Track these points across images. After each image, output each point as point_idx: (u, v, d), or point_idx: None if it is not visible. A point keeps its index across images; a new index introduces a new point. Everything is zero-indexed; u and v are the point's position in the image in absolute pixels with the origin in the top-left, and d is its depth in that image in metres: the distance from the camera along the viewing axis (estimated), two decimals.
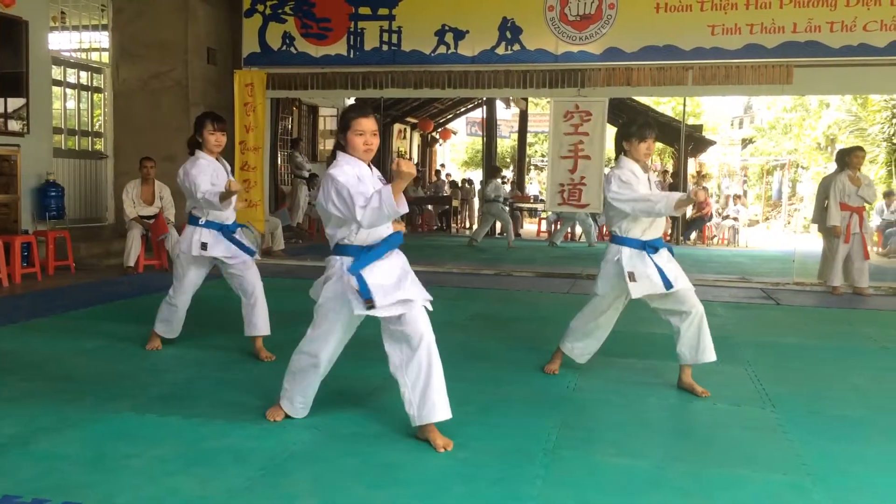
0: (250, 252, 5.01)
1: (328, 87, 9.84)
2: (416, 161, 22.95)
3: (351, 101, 17.16)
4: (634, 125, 4.36)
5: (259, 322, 4.94)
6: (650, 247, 4.26)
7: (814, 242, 14.86)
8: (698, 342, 4.25)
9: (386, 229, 3.41)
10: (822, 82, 8.87)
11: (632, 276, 4.22)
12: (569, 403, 4.04)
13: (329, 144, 17.66)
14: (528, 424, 3.65)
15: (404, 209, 3.13)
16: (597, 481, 2.99)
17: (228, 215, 4.93)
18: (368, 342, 5.36)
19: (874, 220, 14.72)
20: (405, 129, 22.30)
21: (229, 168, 5.05)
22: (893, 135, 19.88)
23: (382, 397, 4.08)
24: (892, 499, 2.89)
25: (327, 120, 17.47)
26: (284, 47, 9.77)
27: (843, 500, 2.86)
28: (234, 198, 4.77)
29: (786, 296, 8.10)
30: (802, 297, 8.07)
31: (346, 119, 3.38)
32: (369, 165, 3.42)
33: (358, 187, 3.19)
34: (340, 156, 3.38)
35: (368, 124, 3.36)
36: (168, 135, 9.81)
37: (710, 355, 4.28)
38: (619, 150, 4.42)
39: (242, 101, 9.85)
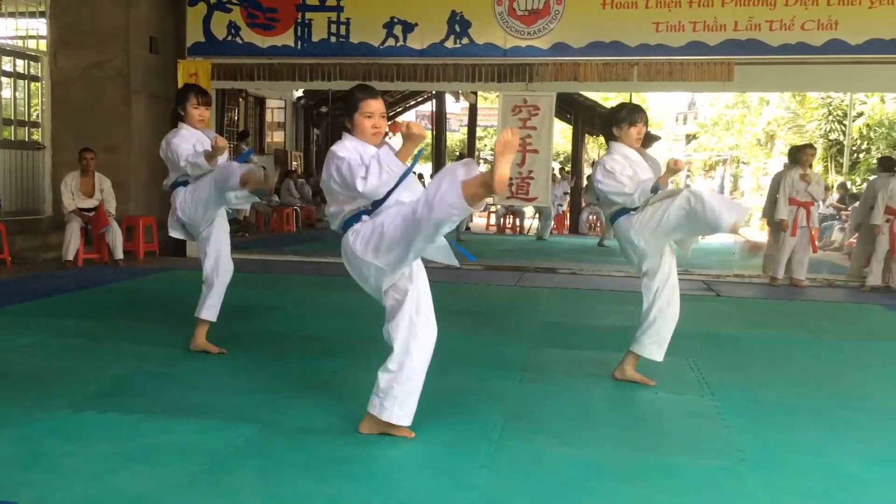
0: (261, 195, 4.89)
1: (275, 78, 9.71)
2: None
3: (299, 93, 17.06)
4: (623, 110, 4.26)
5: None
6: None
7: (754, 236, 15.25)
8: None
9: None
10: (762, 80, 9.12)
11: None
12: (515, 395, 4.08)
13: (277, 137, 17.46)
14: (475, 416, 3.67)
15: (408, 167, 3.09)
16: (540, 470, 3.03)
17: None
18: (311, 336, 5.35)
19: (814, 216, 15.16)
20: None
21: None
22: (829, 131, 20.55)
23: (330, 391, 4.06)
24: (822, 481, 3.00)
25: (275, 112, 17.26)
26: (230, 37, 9.60)
27: (775, 483, 2.95)
28: (223, 157, 4.57)
29: (726, 287, 8.31)
30: (742, 289, 8.29)
31: (353, 100, 3.25)
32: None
33: (359, 160, 3.09)
34: (346, 136, 3.28)
35: (377, 106, 3.24)
36: (109, 125, 9.57)
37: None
38: (609, 137, 4.30)
39: None
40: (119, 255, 8.64)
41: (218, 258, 4.73)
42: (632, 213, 4.14)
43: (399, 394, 3.20)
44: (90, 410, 3.58)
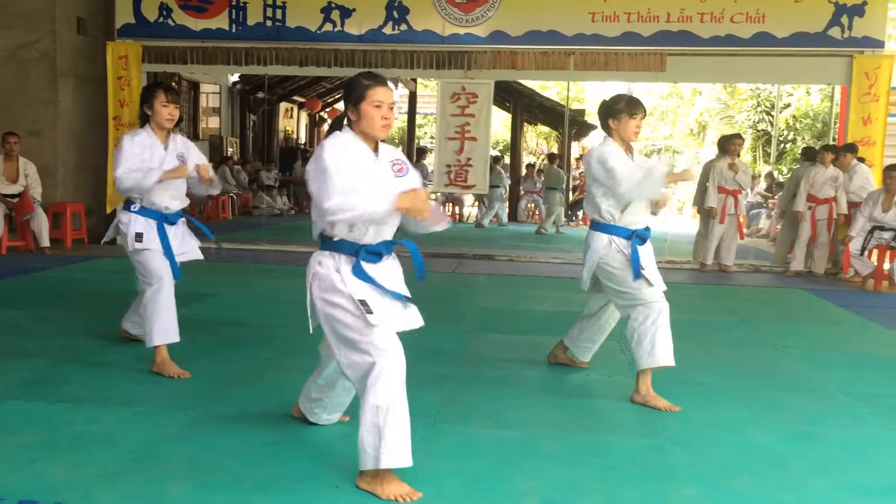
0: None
1: (209, 62, 9.51)
2: (303, 141, 22.58)
3: (234, 77, 16.72)
4: (622, 101, 3.94)
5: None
6: (639, 237, 3.90)
7: (685, 224, 15.68)
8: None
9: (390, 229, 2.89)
10: (693, 70, 9.36)
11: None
12: (450, 380, 4.13)
13: (212, 123, 17.10)
14: (410, 401, 3.67)
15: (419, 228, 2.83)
16: (474, 451, 3.08)
17: (169, 203, 4.20)
18: (246, 323, 5.30)
19: (742, 203, 15.66)
20: (292, 108, 21.85)
21: (191, 148, 4.33)
22: (758, 122, 21.20)
23: (265, 378, 4.04)
24: (741, 455, 3.13)
25: (209, 97, 16.88)
26: (161, 19, 9.36)
27: (696, 458, 3.08)
28: (179, 181, 4.17)
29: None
30: (673, 275, 8.50)
31: (359, 88, 2.77)
32: (376, 146, 2.85)
33: (342, 178, 2.66)
34: (345, 131, 2.83)
35: (387, 95, 2.77)
36: (35, 109, 9.23)
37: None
38: (606, 129, 3.99)
39: (116, 74, 9.38)
40: (45, 242, 8.37)
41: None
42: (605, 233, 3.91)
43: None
44: (15, 400, 3.49)
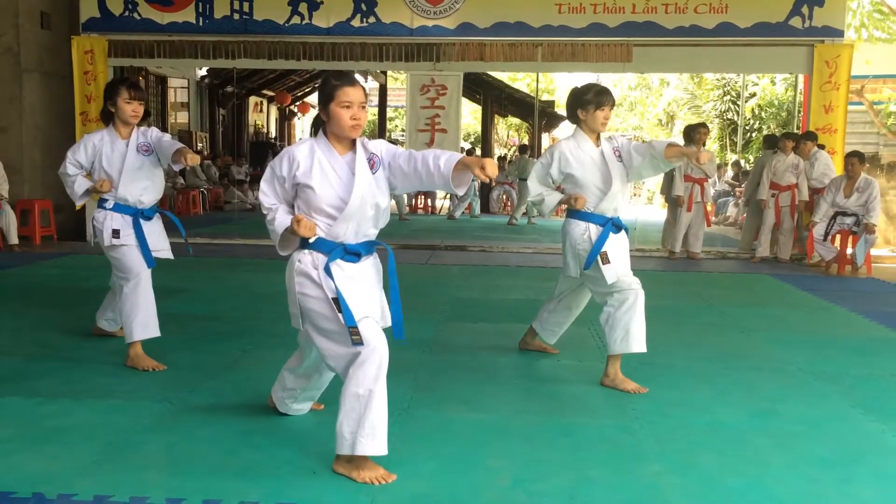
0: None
1: (176, 55, 9.44)
2: (273, 136, 22.46)
3: (202, 71, 16.60)
4: (590, 91, 3.91)
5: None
6: (614, 225, 3.96)
7: (654, 212, 15.89)
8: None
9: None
10: (659, 61, 9.48)
11: (605, 258, 3.87)
12: (424, 368, 4.19)
13: (181, 118, 16.96)
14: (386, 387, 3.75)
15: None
16: (447, 434, 3.16)
17: (141, 197, 4.20)
18: (220, 317, 5.31)
19: (709, 191, 15.91)
20: (262, 102, 21.74)
21: (162, 137, 4.24)
22: (725, 111, 21.50)
23: (239, 370, 4.07)
24: (705, 433, 3.24)
25: (178, 91, 16.74)
26: (127, 13, 9.27)
27: (662, 437, 3.18)
28: (149, 172, 4.19)
29: None
30: (643, 262, 8.64)
31: (327, 88, 2.80)
32: (353, 144, 2.86)
33: (270, 177, 2.84)
34: (319, 137, 2.86)
35: (356, 95, 2.77)
36: None
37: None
38: (573, 119, 4.01)
39: (82, 69, 9.28)
40: (14, 240, 8.29)
41: None
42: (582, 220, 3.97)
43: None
44: None
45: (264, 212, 2.88)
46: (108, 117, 4.23)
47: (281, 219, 2.82)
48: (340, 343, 2.76)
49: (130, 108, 4.15)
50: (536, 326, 4.49)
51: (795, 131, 9.99)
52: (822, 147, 8.81)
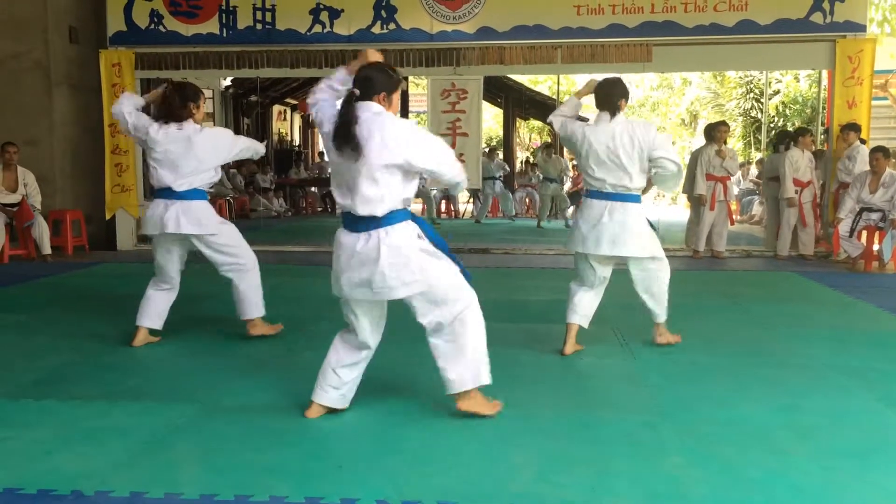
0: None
1: (201, 66, 9.61)
2: (297, 143, 22.66)
3: (226, 82, 16.83)
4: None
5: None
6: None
7: (677, 213, 15.82)
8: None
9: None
10: (680, 60, 9.47)
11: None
12: None
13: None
14: (409, 387, 3.83)
15: None
16: (470, 430, 3.21)
17: None
18: (241, 323, 5.40)
19: (733, 190, 15.80)
20: (285, 110, 21.96)
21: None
22: (749, 109, 21.34)
23: (268, 371, 4.16)
24: (728, 427, 3.26)
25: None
26: (153, 26, 9.46)
27: (686, 432, 3.21)
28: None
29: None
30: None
31: (396, 78, 3.18)
32: None
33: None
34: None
35: None
36: (29, 118, 9.32)
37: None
38: (615, 108, 4.34)
39: (110, 81, 9.49)
40: (46, 249, 8.48)
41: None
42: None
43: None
44: (27, 399, 3.61)
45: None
46: (181, 114, 4.49)
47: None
48: (456, 289, 3.25)
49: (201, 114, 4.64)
50: (579, 320, 4.56)
51: (822, 127, 9.91)
52: (863, 142, 8.70)
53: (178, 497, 2.58)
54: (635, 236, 4.34)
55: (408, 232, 3.15)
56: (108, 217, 9.60)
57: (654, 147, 4.23)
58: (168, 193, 4.48)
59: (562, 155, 14.40)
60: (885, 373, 4.12)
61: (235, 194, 15.04)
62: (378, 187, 3.06)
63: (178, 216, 4.44)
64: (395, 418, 3.36)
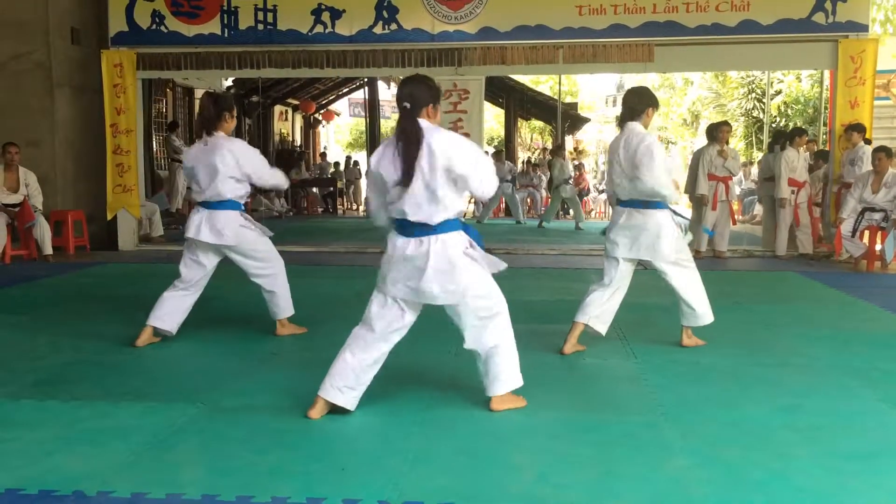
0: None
1: (203, 67, 9.61)
2: (298, 144, 22.67)
3: (228, 82, 16.84)
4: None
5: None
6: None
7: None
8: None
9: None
10: (682, 60, 9.46)
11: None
12: (450, 366, 4.24)
13: None
14: (411, 387, 3.82)
15: None
16: (472, 432, 3.21)
17: None
18: (249, 320, 5.41)
19: (735, 190, 15.79)
20: (286, 110, 21.98)
21: None
22: (751, 109, 21.33)
23: (269, 372, 4.15)
24: (731, 428, 3.25)
25: None
26: (154, 26, 9.46)
27: (689, 432, 3.20)
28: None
29: None
30: None
31: (439, 90, 3.36)
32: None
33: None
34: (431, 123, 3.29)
35: None
36: (31, 119, 9.33)
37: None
38: (636, 116, 4.42)
39: (112, 82, 9.49)
40: (48, 250, 8.48)
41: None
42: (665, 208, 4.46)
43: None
44: (28, 399, 3.61)
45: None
46: (217, 123, 4.64)
47: None
48: (493, 298, 3.40)
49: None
50: (591, 322, 4.58)
51: (817, 126, 9.89)
52: (868, 142, 8.69)
53: (180, 497, 2.57)
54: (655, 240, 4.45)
55: (458, 241, 3.26)
56: (109, 217, 9.60)
57: (635, 162, 4.32)
58: (203, 204, 4.66)
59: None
60: (887, 373, 4.11)
61: None
62: (431, 196, 3.17)
63: (201, 224, 4.61)
64: (397, 419, 3.35)
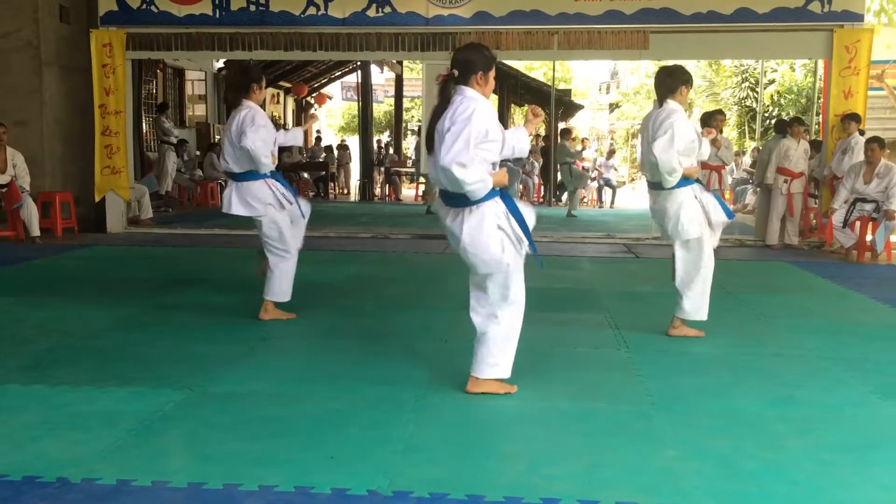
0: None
1: (193, 48, 9.48)
2: (291, 126, 22.51)
3: (219, 63, 16.67)
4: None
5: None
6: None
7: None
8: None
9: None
10: (676, 48, 9.36)
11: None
12: (440, 356, 4.21)
13: (198, 110, 17.07)
14: (402, 375, 3.79)
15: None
16: (463, 420, 3.18)
17: None
18: (237, 306, 5.37)
19: (727, 179, 15.77)
20: (278, 93, 21.80)
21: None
22: (744, 98, 21.30)
23: (257, 358, 4.11)
24: (723, 419, 3.24)
25: (195, 84, 16.82)
26: (144, 6, 9.31)
27: (679, 422, 3.18)
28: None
29: (645, 250, 8.64)
30: (659, 251, 8.61)
31: (491, 56, 3.35)
32: None
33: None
34: (473, 90, 3.28)
35: None
36: (19, 99, 9.20)
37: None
38: (672, 95, 4.37)
39: (101, 62, 9.36)
40: (35, 231, 8.39)
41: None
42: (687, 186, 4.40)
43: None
44: (13, 383, 3.56)
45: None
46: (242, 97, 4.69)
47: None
48: (517, 283, 3.41)
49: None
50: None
51: (817, 117, 9.88)
52: (862, 133, 8.66)
53: (166, 485, 2.54)
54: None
55: (491, 211, 3.27)
56: (97, 199, 9.49)
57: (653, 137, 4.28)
58: (230, 176, 4.80)
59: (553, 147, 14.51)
60: (880, 364, 4.11)
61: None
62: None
63: (231, 197, 4.75)
64: (387, 407, 3.32)
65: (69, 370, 3.79)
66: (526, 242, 3.38)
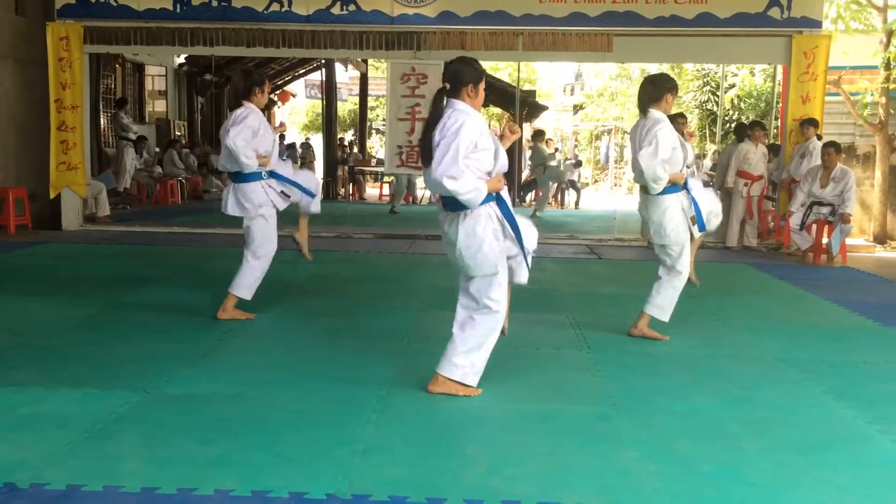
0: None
1: (153, 42, 9.30)
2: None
3: (180, 58, 16.42)
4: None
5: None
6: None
7: (633, 203, 15.93)
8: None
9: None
10: (640, 51, 9.47)
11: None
12: (403, 356, 4.19)
13: (158, 106, 16.79)
14: (364, 376, 3.76)
15: None
16: (425, 422, 3.16)
17: None
18: (196, 306, 5.28)
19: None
20: None
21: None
22: (705, 102, 21.61)
23: (215, 359, 4.04)
24: (681, 419, 3.27)
25: (155, 79, 16.53)
26: None
27: (639, 423, 3.20)
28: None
29: (607, 251, 8.71)
30: (622, 252, 8.71)
31: (479, 70, 3.43)
32: None
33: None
34: (464, 104, 3.37)
35: None
36: None
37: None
38: (657, 103, 4.44)
39: (57, 55, 9.13)
40: None
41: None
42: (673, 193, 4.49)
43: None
44: None
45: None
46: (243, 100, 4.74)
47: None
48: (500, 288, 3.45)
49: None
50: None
51: (775, 121, 10.05)
52: (819, 137, 8.82)
53: (118, 490, 2.47)
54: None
55: (486, 216, 3.36)
56: (52, 196, 9.26)
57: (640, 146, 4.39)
58: (230, 176, 4.82)
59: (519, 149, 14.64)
60: (834, 366, 4.18)
61: (188, 175, 14.72)
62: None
63: (228, 197, 4.82)
64: (347, 407, 3.29)
65: (19, 371, 3.69)
66: (520, 251, 3.52)
